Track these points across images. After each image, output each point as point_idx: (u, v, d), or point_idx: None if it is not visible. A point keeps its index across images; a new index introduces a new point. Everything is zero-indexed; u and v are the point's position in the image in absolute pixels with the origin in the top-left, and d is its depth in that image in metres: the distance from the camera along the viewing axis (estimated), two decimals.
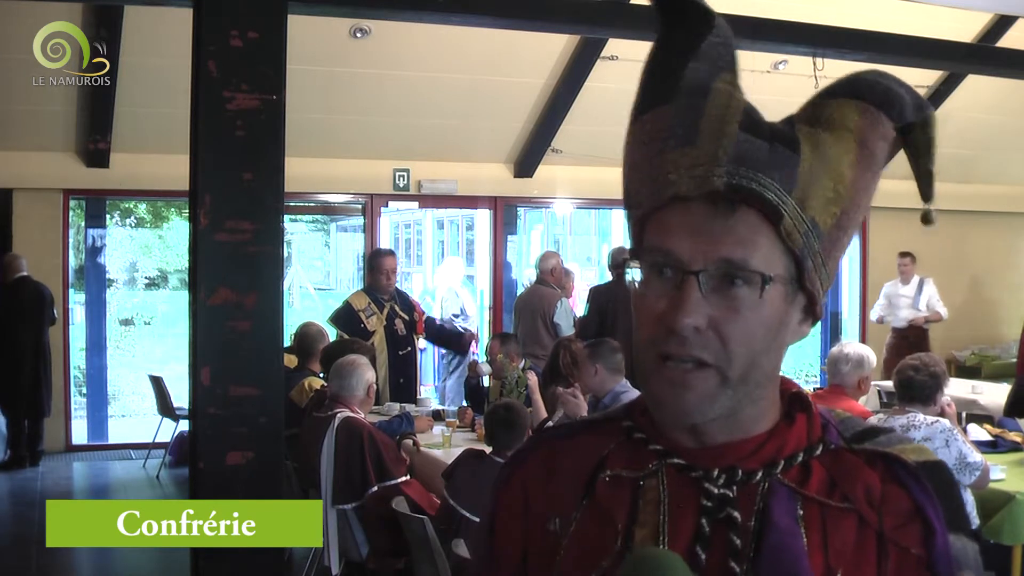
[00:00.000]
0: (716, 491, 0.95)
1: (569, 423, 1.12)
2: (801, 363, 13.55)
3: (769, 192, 0.91)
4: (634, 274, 0.96)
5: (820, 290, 0.96)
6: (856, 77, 0.99)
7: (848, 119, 0.96)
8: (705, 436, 0.97)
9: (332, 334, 6.65)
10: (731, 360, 0.92)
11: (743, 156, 0.92)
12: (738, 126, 0.93)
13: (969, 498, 4.04)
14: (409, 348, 7.02)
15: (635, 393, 4.70)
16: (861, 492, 0.95)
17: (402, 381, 6.94)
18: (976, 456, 3.99)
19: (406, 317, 7.04)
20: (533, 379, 5.84)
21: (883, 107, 0.97)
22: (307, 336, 6.14)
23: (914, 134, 1.00)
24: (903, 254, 9.78)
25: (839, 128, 0.95)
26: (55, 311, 8.15)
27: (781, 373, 1.05)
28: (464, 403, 6.90)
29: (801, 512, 0.94)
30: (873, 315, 10.10)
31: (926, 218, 1.06)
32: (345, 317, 6.92)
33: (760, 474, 0.95)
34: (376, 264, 7.06)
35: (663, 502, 0.96)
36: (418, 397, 6.89)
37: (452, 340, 8.19)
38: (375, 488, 4.39)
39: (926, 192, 1.02)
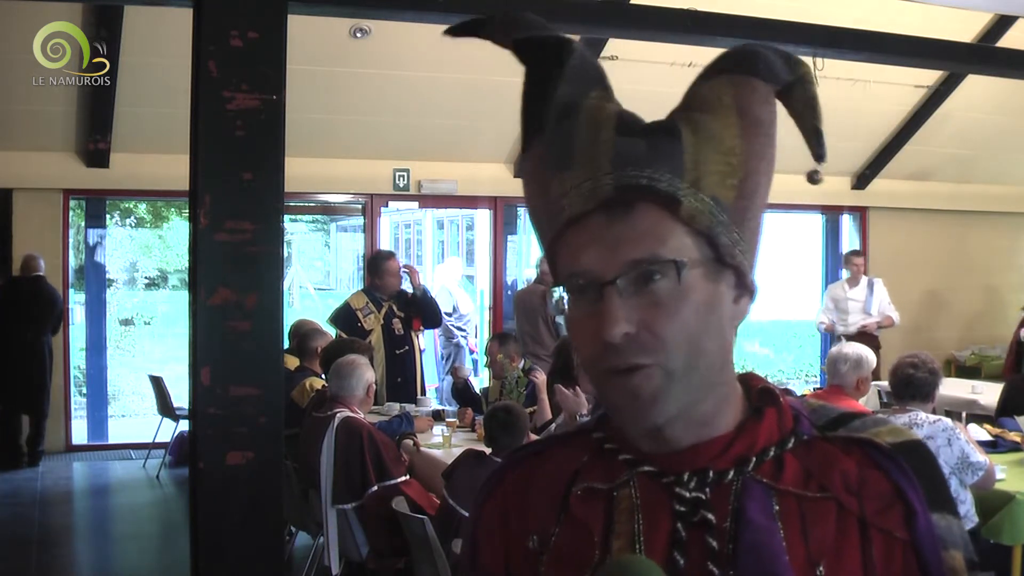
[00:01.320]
0: (688, 495, 0.95)
1: (542, 439, 1.12)
2: (801, 363, 13.57)
3: (659, 183, 0.91)
4: (560, 299, 0.96)
5: (743, 262, 0.96)
6: (723, 55, 0.99)
7: (723, 94, 0.96)
8: (672, 441, 0.96)
9: (332, 334, 6.66)
10: (669, 354, 0.91)
11: (624, 157, 0.92)
12: (614, 131, 0.94)
13: (968, 496, 4.04)
14: (407, 347, 7.02)
15: None
16: (838, 479, 0.94)
17: (400, 380, 6.94)
18: (979, 456, 3.99)
19: (402, 316, 7.05)
20: (542, 378, 5.81)
21: (754, 73, 0.97)
22: (304, 335, 6.16)
23: (794, 93, 1.01)
24: (855, 253, 9.20)
25: (715, 106, 0.95)
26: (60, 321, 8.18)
27: (762, 375, 1.05)
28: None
29: (777, 507, 0.93)
30: (818, 321, 9.14)
31: (811, 178, 1.09)
32: (344, 316, 6.94)
33: (732, 473, 0.95)
34: (385, 268, 7.07)
35: (637, 511, 0.96)
36: (418, 397, 6.90)
37: (428, 309, 7.36)
38: (375, 488, 4.39)
39: (816, 151, 1.02)
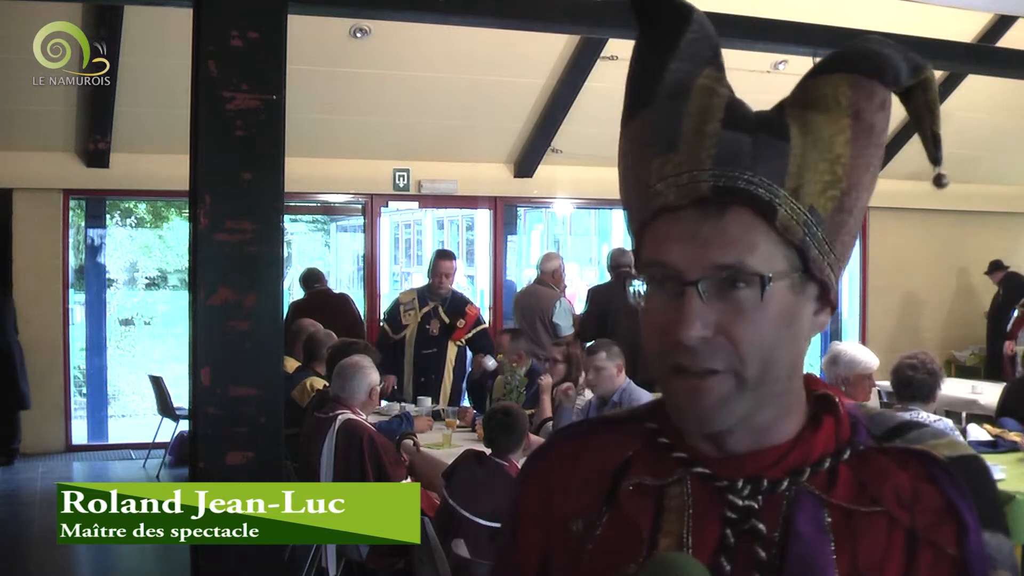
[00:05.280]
0: (741, 502, 0.93)
1: (589, 419, 1.09)
2: None
3: (759, 188, 0.88)
4: (637, 287, 0.93)
5: (831, 277, 0.93)
6: (845, 48, 0.94)
7: (840, 94, 0.91)
8: (728, 445, 0.95)
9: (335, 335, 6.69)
10: (744, 362, 0.89)
11: (728, 155, 0.89)
12: (720, 124, 0.90)
13: None
14: (435, 349, 7.09)
15: (639, 390, 4.63)
16: (890, 493, 0.92)
17: (423, 380, 7.01)
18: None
19: (446, 321, 7.07)
20: (547, 380, 5.83)
21: (876, 75, 0.92)
22: (314, 339, 6.16)
23: (914, 97, 0.97)
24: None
25: (831, 106, 0.91)
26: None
27: (808, 371, 1.02)
28: (466, 401, 6.94)
29: (828, 520, 0.91)
30: None
31: (938, 181, 1.04)
32: (392, 308, 7.24)
33: (786, 483, 0.93)
34: (432, 266, 7.18)
35: (687, 511, 0.95)
36: (418, 397, 6.91)
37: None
38: None
39: (934, 155, 0.99)
